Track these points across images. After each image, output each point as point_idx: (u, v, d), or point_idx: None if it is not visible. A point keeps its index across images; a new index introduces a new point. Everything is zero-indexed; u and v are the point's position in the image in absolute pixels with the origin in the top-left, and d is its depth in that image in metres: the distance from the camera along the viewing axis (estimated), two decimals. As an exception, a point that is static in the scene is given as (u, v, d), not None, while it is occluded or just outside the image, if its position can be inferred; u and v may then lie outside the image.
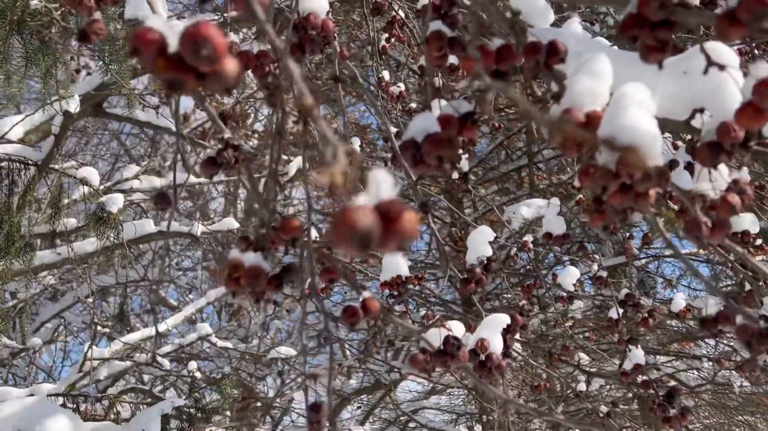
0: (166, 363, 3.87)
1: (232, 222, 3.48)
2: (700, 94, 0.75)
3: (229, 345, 4.87)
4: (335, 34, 1.04)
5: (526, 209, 4.66)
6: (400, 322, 0.89)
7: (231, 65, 0.40)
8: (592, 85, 0.70)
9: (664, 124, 0.81)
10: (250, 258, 0.72)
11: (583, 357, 4.56)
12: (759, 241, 1.90)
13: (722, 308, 0.81)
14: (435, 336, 0.94)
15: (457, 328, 0.98)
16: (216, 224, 3.56)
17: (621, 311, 1.78)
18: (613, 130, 0.57)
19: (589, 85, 0.70)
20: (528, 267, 4.12)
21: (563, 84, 0.75)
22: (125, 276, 5.13)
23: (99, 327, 3.85)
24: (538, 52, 0.71)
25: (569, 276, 2.20)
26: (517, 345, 2.64)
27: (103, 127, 6.12)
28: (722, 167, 0.77)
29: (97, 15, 0.78)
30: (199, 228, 3.31)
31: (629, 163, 0.52)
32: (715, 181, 0.76)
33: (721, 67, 0.58)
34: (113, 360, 3.91)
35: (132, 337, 4.26)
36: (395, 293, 1.67)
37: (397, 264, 1.63)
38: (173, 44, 0.40)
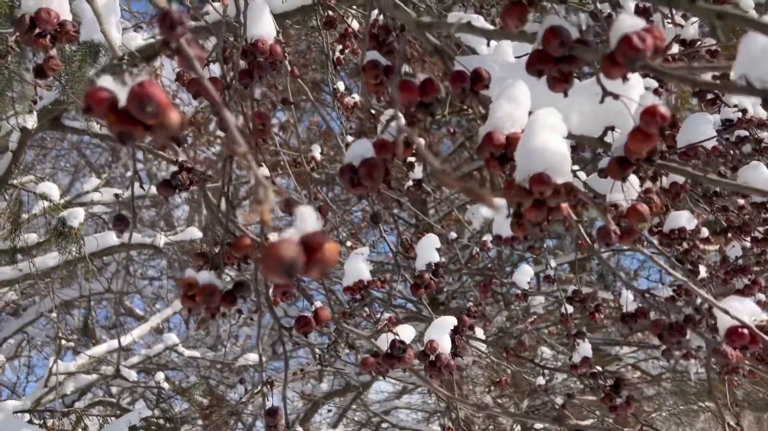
0: (133, 374, 3.87)
1: (195, 232, 3.50)
2: (609, 114, 0.83)
3: (197, 354, 4.87)
4: (285, 54, 1.10)
5: (486, 209, 4.77)
6: (351, 329, 0.96)
7: (173, 117, 0.46)
8: (512, 109, 0.77)
9: (582, 140, 0.89)
10: (204, 276, 0.77)
11: (546, 351, 4.69)
12: (706, 233, 2.01)
13: (639, 304, 0.89)
14: (384, 341, 1.01)
15: (405, 332, 1.04)
16: (179, 234, 3.57)
17: (571, 307, 1.88)
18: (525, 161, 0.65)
19: (508, 109, 0.77)
20: (489, 265, 4.23)
21: (488, 107, 0.82)
22: (89, 289, 5.09)
23: (64, 341, 3.82)
24: (464, 80, 0.79)
25: (523, 274, 2.29)
26: (481, 345, 2.72)
27: (62, 138, 6.05)
28: (633, 178, 0.85)
29: (53, 52, 0.82)
30: (162, 239, 3.32)
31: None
32: (628, 190, 0.84)
33: (615, 96, 0.65)
34: (79, 373, 3.89)
35: (98, 350, 4.24)
36: (358, 297, 1.74)
37: (359, 269, 1.68)
38: (122, 99, 0.46)
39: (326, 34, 2.08)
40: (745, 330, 0.76)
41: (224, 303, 0.78)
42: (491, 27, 0.76)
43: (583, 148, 0.93)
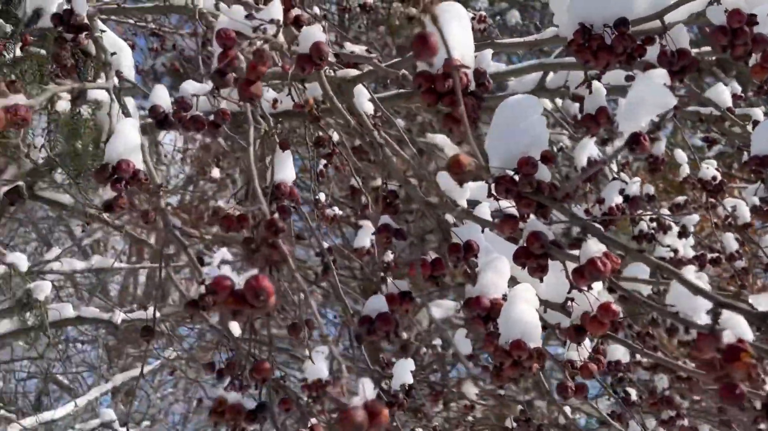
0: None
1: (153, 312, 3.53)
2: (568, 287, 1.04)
3: (132, 432, 4.75)
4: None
5: (436, 309, 4.95)
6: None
7: (273, 301, 0.63)
8: (496, 279, 0.97)
9: (548, 305, 1.09)
10: (233, 396, 0.92)
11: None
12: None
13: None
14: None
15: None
16: (137, 313, 3.61)
17: (515, 423, 2.05)
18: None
19: (493, 279, 0.97)
20: (435, 367, 4.36)
21: (476, 272, 1.02)
22: (23, 355, 4.96)
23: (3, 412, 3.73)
24: (458, 251, 0.98)
25: (472, 386, 2.46)
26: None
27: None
28: (587, 340, 1.05)
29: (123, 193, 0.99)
30: (119, 316, 3.36)
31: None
32: (582, 350, 1.03)
33: (580, 290, 0.86)
34: (8, 446, 3.76)
35: (26, 422, 4.12)
36: (314, 395, 1.86)
37: (320, 368, 1.82)
38: (239, 284, 0.63)
39: (314, 151, 2.29)
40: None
41: (247, 420, 0.93)
42: (489, 218, 0.96)
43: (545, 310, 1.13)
